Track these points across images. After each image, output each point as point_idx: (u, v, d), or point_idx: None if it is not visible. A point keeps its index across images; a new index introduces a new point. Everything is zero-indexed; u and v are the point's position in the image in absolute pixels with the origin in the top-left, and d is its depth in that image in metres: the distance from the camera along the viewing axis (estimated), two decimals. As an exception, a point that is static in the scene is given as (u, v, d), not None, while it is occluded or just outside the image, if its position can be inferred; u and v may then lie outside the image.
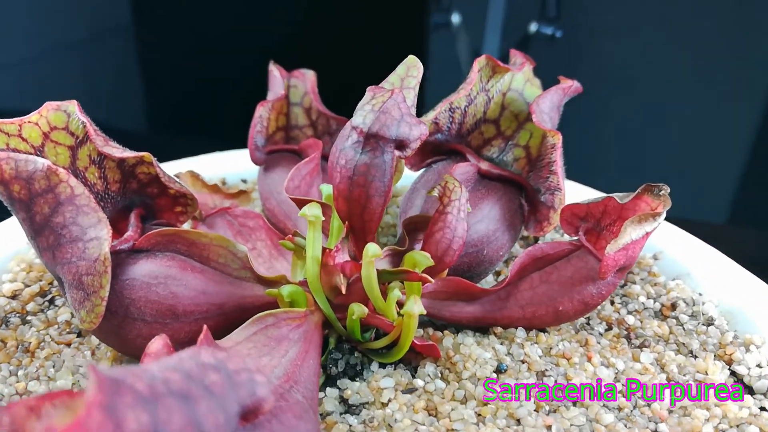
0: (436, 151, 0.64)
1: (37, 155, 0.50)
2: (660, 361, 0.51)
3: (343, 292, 0.45)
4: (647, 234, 0.50)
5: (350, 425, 0.45)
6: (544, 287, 0.53)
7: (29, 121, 0.49)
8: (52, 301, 0.56)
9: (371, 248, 0.45)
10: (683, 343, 0.53)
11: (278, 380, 0.42)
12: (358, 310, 0.47)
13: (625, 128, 1.40)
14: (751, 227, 1.29)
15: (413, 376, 0.49)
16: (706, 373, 0.50)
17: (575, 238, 0.56)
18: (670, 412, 0.47)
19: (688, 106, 1.35)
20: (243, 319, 0.50)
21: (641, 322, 0.56)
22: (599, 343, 0.53)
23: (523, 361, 0.50)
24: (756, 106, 1.29)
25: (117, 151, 0.50)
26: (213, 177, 0.76)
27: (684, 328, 0.55)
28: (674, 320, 0.56)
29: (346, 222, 0.49)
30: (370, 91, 0.48)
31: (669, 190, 0.51)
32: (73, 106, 0.51)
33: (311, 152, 0.66)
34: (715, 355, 0.52)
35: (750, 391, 0.48)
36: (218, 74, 1.36)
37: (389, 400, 0.46)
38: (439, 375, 0.49)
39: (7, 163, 0.43)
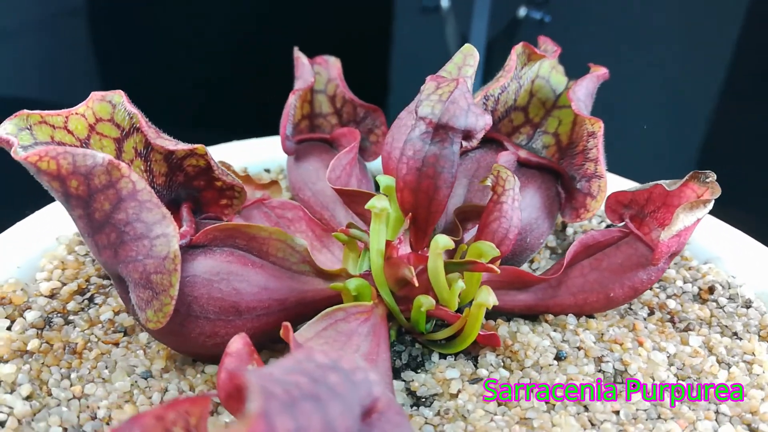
0: (471, 139, 0.64)
1: (83, 148, 0.48)
2: (707, 344, 0.53)
3: (416, 284, 0.45)
4: (698, 220, 0.51)
5: (425, 417, 0.45)
6: (596, 274, 0.54)
7: (76, 113, 0.47)
8: (91, 300, 0.53)
9: (441, 240, 0.45)
10: (726, 326, 0.55)
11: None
12: (426, 302, 0.46)
13: (613, 110, 1.43)
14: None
15: (476, 366, 0.49)
16: (754, 354, 0.51)
17: (617, 225, 0.57)
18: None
19: (673, 88, 1.38)
20: (303, 314, 0.49)
21: (682, 305, 0.57)
22: (646, 327, 0.54)
23: (579, 348, 0.51)
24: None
25: (170, 143, 0.48)
26: (234, 167, 0.74)
27: (724, 311, 0.56)
28: (714, 303, 0.57)
29: (409, 213, 0.48)
30: (432, 81, 0.47)
31: (715, 177, 0.52)
32: (118, 96, 0.48)
33: (345, 141, 0.65)
34: (759, 336, 0.53)
35: (798, 370, 0.50)
36: (175, 59, 1.32)
37: (458, 391, 0.46)
38: (502, 364, 0.49)
39: (64, 157, 0.41)
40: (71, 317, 0.51)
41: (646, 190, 0.55)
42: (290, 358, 0.31)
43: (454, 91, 0.45)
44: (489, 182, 0.51)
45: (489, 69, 1.40)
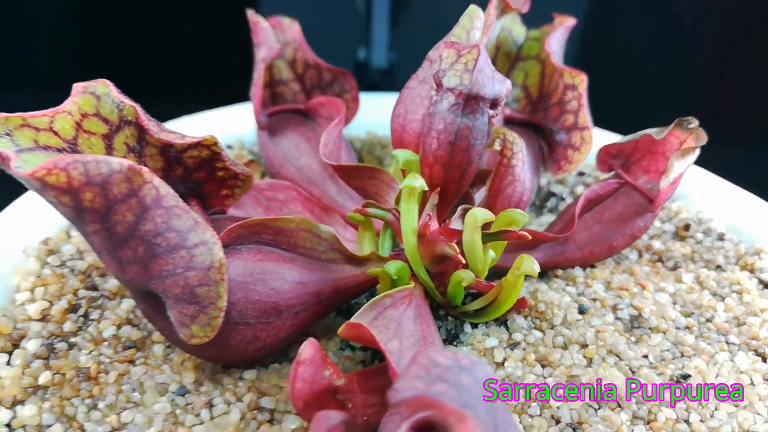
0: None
1: (70, 150, 0.41)
2: (698, 279, 0.57)
3: (462, 260, 0.44)
4: (688, 166, 0.54)
5: (481, 391, 0.45)
6: (599, 227, 0.56)
7: (63, 110, 0.40)
8: (86, 316, 0.48)
9: (480, 213, 0.44)
10: (708, 260, 0.59)
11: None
12: (467, 276, 0.46)
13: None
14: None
15: (508, 331, 0.50)
16: (740, 284, 0.56)
17: (606, 174, 0.59)
18: (729, 323, 0.52)
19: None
20: (336, 304, 0.47)
21: (665, 245, 0.61)
22: (642, 270, 0.58)
23: (594, 299, 0.53)
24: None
25: (175, 136, 0.43)
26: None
27: (703, 246, 0.61)
28: (692, 239, 0.62)
29: (437, 188, 0.47)
30: (449, 48, 0.45)
31: (698, 123, 0.56)
32: (103, 86, 0.42)
33: (324, 112, 0.61)
34: (739, 267, 0.58)
35: (779, 293, 0.56)
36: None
37: (504, 360, 0.47)
38: (533, 325, 0.50)
39: (75, 167, 0.35)
40: (72, 339, 0.46)
41: (633, 141, 0.57)
42: (414, 364, 0.30)
43: (479, 59, 0.44)
44: (497, 146, 0.51)
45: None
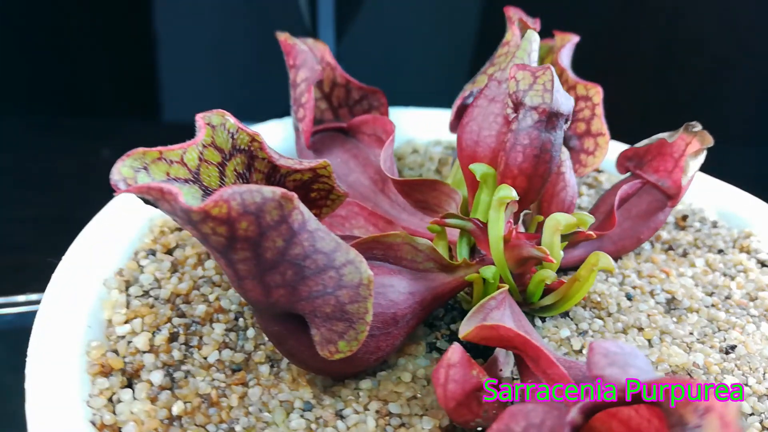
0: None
1: (194, 181, 0.42)
2: (708, 262, 0.65)
3: (553, 261, 0.49)
4: (700, 164, 0.62)
5: (573, 377, 0.50)
6: (629, 222, 0.62)
7: (197, 143, 0.41)
8: (187, 344, 0.48)
9: (563, 218, 0.49)
10: (710, 245, 0.68)
11: (534, 355, 0.45)
12: (550, 275, 0.51)
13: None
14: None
15: (574, 322, 0.55)
16: (742, 264, 0.65)
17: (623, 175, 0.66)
18: (745, 298, 0.61)
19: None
20: (434, 309, 0.51)
21: (670, 234, 0.69)
22: (660, 258, 0.65)
23: (634, 287, 0.60)
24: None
25: (294, 162, 0.45)
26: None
27: (702, 233, 0.69)
28: (692, 228, 0.70)
29: (519, 197, 0.51)
30: (523, 70, 0.50)
31: (701, 127, 0.64)
32: (219, 116, 0.43)
33: (367, 129, 0.64)
34: (738, 249, 0.67)
35: (775, 269, 0.65)
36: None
37: (582, 347, 0.52)
38: (594, 315, 0.56)
39: (233, 198, 0.37)
40: (184, 367, 0.46)
41: (648, 145, 0.64)
42: (597, 353, 0.34)
43: (554, 80, 0.49)
44: (547, 156, 0.56)
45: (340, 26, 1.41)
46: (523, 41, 0.54)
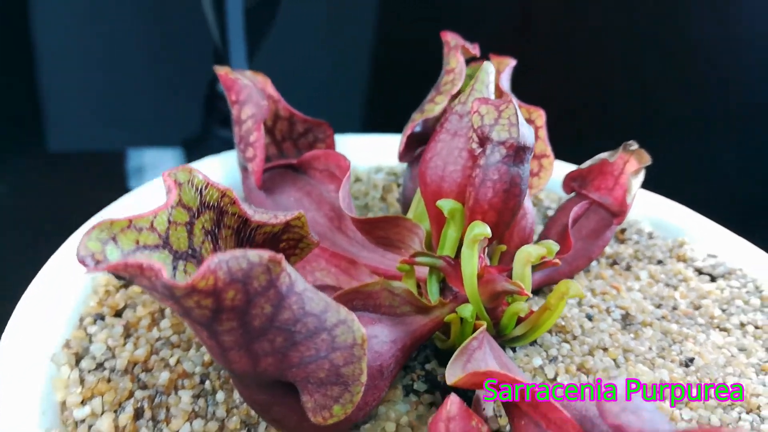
0: (421, 141, 0.67)
1: (164, 246, 0.39)
2: (651, 274, 0.68)
3: (529, 295, 0.49)
4: (641, 182, 0.65)
5: (554, 407, 0.50)
6: (580, 243, 0.64)
7: (167, 207, 0.37)
8: (154, 419, 0.44)
9: (534, 250, 0.50)
10: (650, 257, 0.71)
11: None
12: (523, 307, 0.51)
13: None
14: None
15: (543, 349, 0.56)
16: (681, 273, 0.68)
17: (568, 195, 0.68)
18: (689, 307, 0.64)
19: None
20: (412, 353, 0.49)
21: (612, 249, 0.72)
22: (607, 274, 0.67)
23: (591, 306, 0.61)
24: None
25: (270, 217, 0.42)
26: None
27: (641, 245, 0.72)
28: (630, 241, 0.73)
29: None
30: (486, 104, 0.50)
31: (638, 145, 0.66)
32: (184, 172, 0.40)
33: (319, 164, 0.62)
34: (675, 259, 0.71)
35: (711, 278, 0.69)
36: None
37: (555, 374, 0.53)
38: (561, 339, 0.57)
39: (219, 267, 0.34)
40: (158, 447, 0.42)
41: (591, 165, 0.66)
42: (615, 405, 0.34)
43: (518, 114, 0.49)
44: (504, 184, 0.57)
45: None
46: (480, 73, 0.54)
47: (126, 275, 0.34)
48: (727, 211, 0.81)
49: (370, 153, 0.80)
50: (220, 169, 0.71)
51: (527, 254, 0.50)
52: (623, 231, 0.74)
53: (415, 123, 0.64)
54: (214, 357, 0.39)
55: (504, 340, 0.55)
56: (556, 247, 0.53)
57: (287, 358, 0.38)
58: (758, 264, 0.69)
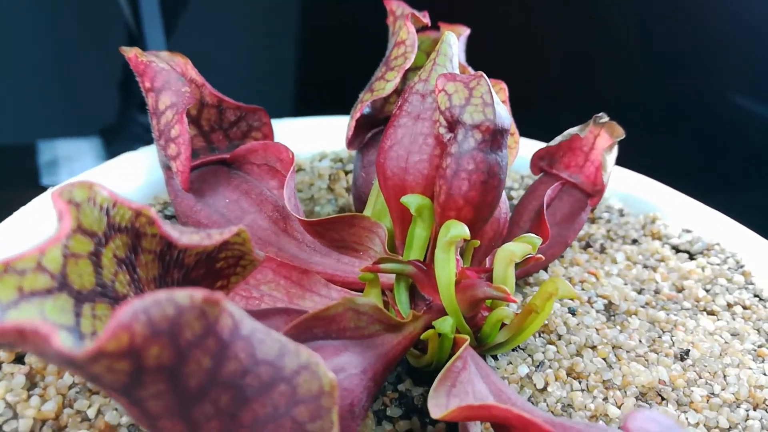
0: (372, 124, 0.59)
1: (60, 287, 0.30)
2: (627, 256, 0.63)
3: (516, 300, 0.42)
4: (615, 158, 0.59)
5: (548, 425, 0.44)
6: (556, 229, 0.58)
7: (58, 240, 0.28)
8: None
9: (517, 248, 0.43)
10: (623, 236, 0.66)
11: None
12: (507, 313, 0.44)
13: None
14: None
15: (527, 354, 0.49)
16: (659, 252, 0.63)
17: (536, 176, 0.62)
18: (672, 290, 0.59)
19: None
20: (385, 377, 0.42)
21: (584, 230, 0.66)
22: (583, 259, 0.62)
23: (572, 298, 0.56)
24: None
25: (203, 238, 0.33)
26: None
27: (613, 224, 0.67)
28: (602, 220, 0.68)
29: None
30: (454, 81, 0.42)
31: (608, 118, 0.60)
32: (81, 189, 0.31)
33: (256, 158, 0.53)
34: (651, 237, 0.66)
35: (690, 255, 0.64)
36: None
37: (546, 385, 0.47)
38: (545, 341, 0.51)
39: (136, 319, 0.25)
40: None
41: (561, 142, 0.60)
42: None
43: (491, 91, 0.42)
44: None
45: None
46: (442, 45, 0.46)
47: (4, 342, 0.24)
48: (695, 181, 0.77)
49: (311, 138, 0.72)
50: (143, 168, 0.61)
51: (510, 253, 0.43)
52: (593, 209, 0.69)
53: (364, 104, 0.56)
54: (141, 425, 0.30)
55: (484, 349, 0.48)
56: (538, 241, 0.46)
57: (237, 420, 0.29)
58: (735, 237, 0.65)
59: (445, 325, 0.41)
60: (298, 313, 0.40)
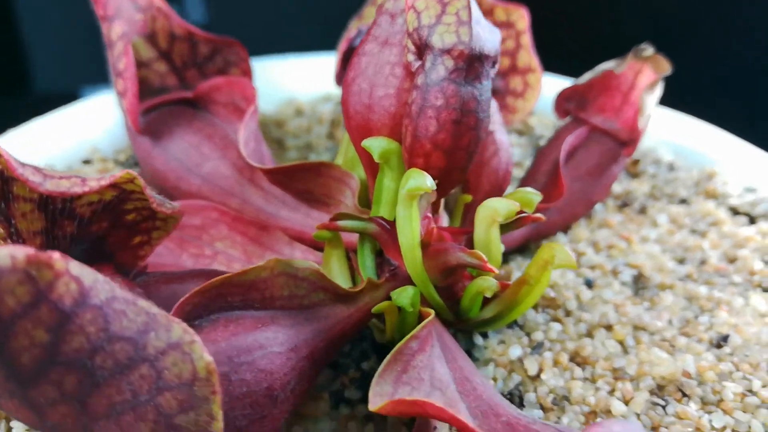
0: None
1: None
2: (672, 218, 0.53)
3: (495, 270, 0.34)
4: (657, 99, 0.49)
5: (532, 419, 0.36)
6: (578, 184, 0.49)
7: None
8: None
9: (501, 206, 0.35)
10: (670, 195, 0.55)
11: (482, 416, 0.31)
12: (489, 284, 0.36)
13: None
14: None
15: (525, 332, 0.42)
16: (711, 215, 0.53)
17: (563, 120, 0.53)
18: (722, 261, 0.49)
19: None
20: (331, 358, 0.36)
21: (623, 187, 0.56)
22: (616, 221, 0.52)
23: (592, 267, 0.47)
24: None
25: (74, 184, 0.27)
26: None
27: (659, 180, 0.57)
28: (645, 174, 0.58)
29: (436, 181, 0.36)
30: (425, -4, 0.34)
31: (653, 50, 0.50)
32: None
33: (221, 97, 0.47)
34: (703, 196, 0.55)
35: (751, 219, 0.53)
36: None
37: (539, 371, 0.39)
38: (549, 318, 0.43)
39: None
40: None
41: (590, 80, 0.50)
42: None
43: (470, 6, 0.33)
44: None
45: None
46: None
47: None
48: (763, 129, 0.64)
49: (316, 78, 0.64)
50: (110, 110, 0.56)
51: (492, 212, 0.35)
52: (636, 162, 0.59)
53: (351, 34, 0.48)
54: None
55: (471, 323, 0.41)
56: (535, 197, 0.38)
57: (87, 407, 0.24)
58: (812, 198, 0.54)
59: (403, 296, 0.34)
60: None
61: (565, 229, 0.50)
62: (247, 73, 0.51)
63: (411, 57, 0.34)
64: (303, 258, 0.42)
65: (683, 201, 0.55)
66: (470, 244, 0.37)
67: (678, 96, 0.58)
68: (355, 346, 0.40)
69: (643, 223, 0.52)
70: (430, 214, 0.36)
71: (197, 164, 0.45)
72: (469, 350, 0.41)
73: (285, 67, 0.64)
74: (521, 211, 0.37)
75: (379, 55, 0.36)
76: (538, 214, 0.38)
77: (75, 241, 0.31)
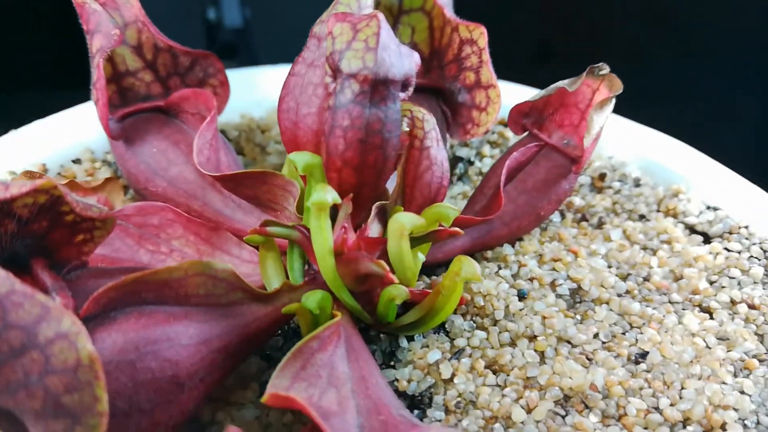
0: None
1: None
2: (626, 234, 0.54)
3: (394, 279, 0.37)
4: (607, 118, 0.50)
5: (435, 419, 0.39)
6: (524, 197, 0.50)
7: None
8: None
9: (407, 219, 0.37)
10: (630, 210, 0.56)
11: (367, 413, 0.34)
12: (399, 292, 0.39)
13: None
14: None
15: (449, 337, 0.44)
16: (667, 232, 0.54)
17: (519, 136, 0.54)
18: (667, 278, 0.50)
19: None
20: (249, 353, 0.39)
21: (584, 200, 0.57)
22: (569, 234, 0.53)
23: (531, 279, 0.48)
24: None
25: (-2, 189, 0.32)
26: (23, 168, 0.55)
27: (622, 195, 0.58)
28: (610, 189, 0.58)
29: (350, 195, 0.39)
30: (342, 22, 0.36)
31: (609, 69, 0.51)
32: None
33: (189, 107, 0.51)
34: (663, 213, 0.56)
35: (706, 238, 0.54)
36: None
37: (452, 375, 0.41)
38: (474, 325, 0.45)
39: None
40: None
41: (545, 96, 0.52)
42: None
43: (380, 33, 0.36)
44: (405, 126, 0.43)
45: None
46: (348, -19, 0.40)
47: None
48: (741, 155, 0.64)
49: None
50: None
51: (400, 225, 0.37)
52: (603, 177, 0.59)
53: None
54: None
55: (392, 327, 0.43)
56: (452, 212, 0.40)
57: (-13, 385, 0.28)
58: (774, 219, 0.54)
59: (311, 300, 0.37)
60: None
61: (513, 241, 0.52)
62: (224, 83, 0.55)
63: (328, 79, 0.37)
64: (249, 257, 0.46)
65: (642, 217, 0.56)
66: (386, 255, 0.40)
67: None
68: (288, 341, 0.44)
69: (596, 238, 0.53)
70: (347, 225, 0.39)
71: (164, 168, 0.49)
72: (394, 352, 0.43)
73: (269, 75, 0.67)
74: (438, 229, 0.40)
75: (305, 76, 0.39)
76: (454, 229, 0.40)
77: (16, 238, 0.35)
